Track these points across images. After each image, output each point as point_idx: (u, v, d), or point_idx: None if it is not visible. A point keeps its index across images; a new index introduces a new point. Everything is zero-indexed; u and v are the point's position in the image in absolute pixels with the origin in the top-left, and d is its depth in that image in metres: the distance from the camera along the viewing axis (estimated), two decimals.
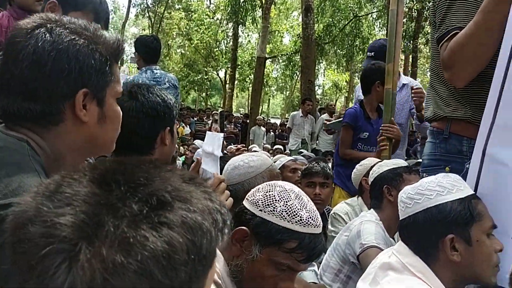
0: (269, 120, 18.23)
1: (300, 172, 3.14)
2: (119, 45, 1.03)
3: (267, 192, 1.19)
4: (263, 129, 12.19)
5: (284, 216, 1.14)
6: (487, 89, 1.54)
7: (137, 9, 23.25)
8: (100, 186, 0.51)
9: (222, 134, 2.02)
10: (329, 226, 2.62)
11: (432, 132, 1.76)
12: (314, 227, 1.16)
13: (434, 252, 1.26)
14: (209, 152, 2.02)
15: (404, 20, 15.71)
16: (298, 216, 1.14)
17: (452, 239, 1.24)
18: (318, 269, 2.15)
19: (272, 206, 1.15)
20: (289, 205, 1.15)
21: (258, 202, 1.18)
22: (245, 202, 1.23)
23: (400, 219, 1.35)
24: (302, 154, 6.14)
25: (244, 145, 4.91)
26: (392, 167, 2.16)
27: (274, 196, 1.17)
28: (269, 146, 10.03)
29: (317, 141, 8.19)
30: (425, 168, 1.75)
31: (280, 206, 1.14)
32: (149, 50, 3.64)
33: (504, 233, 1.35)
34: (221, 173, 1.92)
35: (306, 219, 1.14)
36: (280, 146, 9.19)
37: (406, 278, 1.23)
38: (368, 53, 3.62)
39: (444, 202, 1.26)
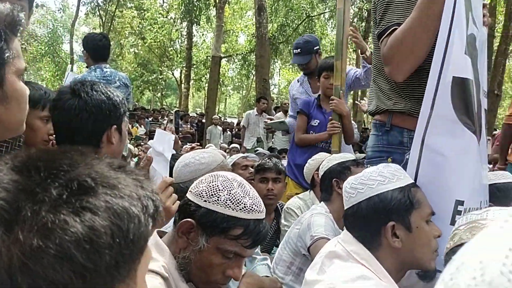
0: (226, 119, 18.21)
1: (251, 169, 3.18)
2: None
3: (210, 182, 1.20)
4: (220, 128, 12.15)
5: (228, 204, 1.16)
6: (425, 83, 1.61)
7: (87, 8, 22.45)
8: (20, 173, 0.51)
9: (173, 136, 1.97)
10: (282, 221, 2.66)
11: (375, 124, 1.81)
12: (258, 212, 1.19)
13: (377, 239, 1.30)
14: (160, 152, 1.97)
15: (355, 20, 16.17)
16: (242, 203, 1.16)
17: (393, 226, 1.28)
18: (271, 262, 2.17)
19: (216, 196, 1.17)
20: (232, 194, 1.17)
21: (202, 193, 1.19)
22: (188, 194, 1.24)
23: (345, 208, 1.39)
24: (258, 152, 6.18)
25: (198, 144, 4.88)
26: (340, 160, 2.22)
27: (217, 186, 1.19)
28: (226, 146, 10.02)
29: (273, 139, 8.27)
30: (369, 160, 1.81)
31: (224, 195, 1.16)
32: (97, 48, 3.55)
33: (442, 219, 1.42)
34: (171, 172, 1.89)
35: (250, 206, 1.17)
36: (237, 145, 9.19)
37: (351, 266, 1.27)
38: (294, 50, 3.71)
39: (385, 191, 1.31)
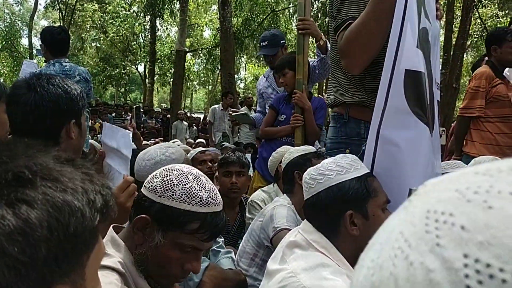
0: (193, 114, 18.06)
1: (209, 163, 3.19)
2: None
3: (165, 177, 1.17)
4: (185, 123, 12.04)
5: (183, 199, 1.13)
6: (380, 76, 1.65)
7: (46, 1, 21.64)
8: None
9: (128, 132, 1.88)
10: (247, 214, 2.68)
11: (334, 116, 1.85)
12: (215, 205, 1.17)
13: (336, 227, 1.33)
14: (113, 147, 1.89)
15: (319, 15, 16.34)
16: (198, 197, 1.14)
17: (351, 214, 1.32)
18: (235, 255, 2.19)
19: (171, 191, 1.14)
20: (188, 188, 1.14)
21: (156, 188, 1.16)
22: (143, 190, 1.21)
23: (305, 198, 1.41)
24: (224, 146, 6.18)
25: (162, 139, 4.81)
26: (302, 153, 2.25)
27: (172, 180, 1.15)
28: (192, 141, 9.93)
29: (239, 134, 8.27)
30: (328, 151, 1.84)
31: (179, 190, 1.14)
32: (56, 42, 3.45)
33: (396, 207, 1.47)
34: (131, 168, 1.85)
35: (206, 199, 1.15)
36: (203, 140, 9.14)
37: (310, 254, 1.30)
38: (261, 43, 3.73)
39: (343, 181, 1.34)
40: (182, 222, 1.13)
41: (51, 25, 18.36)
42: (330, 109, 2.00)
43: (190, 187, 1.15)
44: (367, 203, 1.34)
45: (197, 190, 1.15)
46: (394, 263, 0.32)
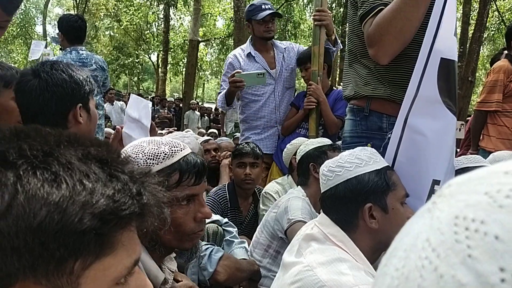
0: (204, 104, 18.06)
1: (213, 152, 3.19)
2: None
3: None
4: (198, 113, 12.07)
5: (151, 163, 1.13)
6: (405, 68, 1.60)
7: None
8: None
9: (150, 102, 1.92)
10: (261, 205, 2.67)
11: (352, 109, 1.79)
12: (181, 151, 1.18)
13: (354, 221, 1.32)
14: (135, 118, 1.92)
15: (333, 5, 16.16)
16: (161, 153, 1.14)
17: (370, 207, 1.30)
18: (249, 246, 2.19)
19: (135, 163, 1.12)
20: (147, 152, 1.14)
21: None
22: None
23: (322, 191, 1.40)
24: (236, 137, 6.17)
25: (176, 128, 4.83)
26: (317, 145, 2.24)
27: (130, 156, 1.13)
28: (204, 131, 9.95)
29: None
30: (347, 145, 1.79)
31: (141, 159, 1.13)
32: (73, 30, 3.45)
33: (418, 197, 1.45)
34: None
35: (169, 150, 1.15)
36: (215, 130, 9.15)
37: (327, 248, 1.28)
38: (264, 5, 3.40)
39: (362, 173, 1.32)
40: (164, 181, 1.12)
41: (68, 12, 18.48)
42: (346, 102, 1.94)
43: (149, 150, 1.14)
44: (387, 196, 1.32)
45: (156, 149, 1.15)
46: (422, 274, 0.30)
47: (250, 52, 3.37)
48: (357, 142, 1.72)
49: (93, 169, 0.55)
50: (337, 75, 15.86)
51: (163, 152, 1.14)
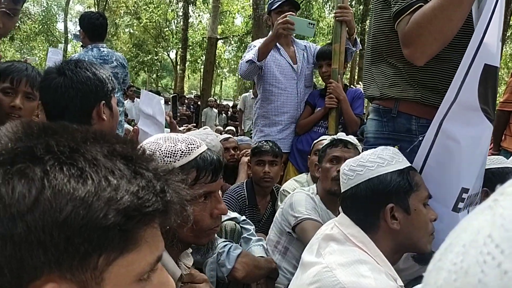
0: (222, 102, 18.11)
1: (232, 151, 3.18)
2: None
3: None
4: (215, 110, 12.10)
5: (168, 161, 1.13)
6: (437, 70, 1.54)
7: None
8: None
9: (162, 98, 1.93)
10: (278, 203, 2.67)
11: (378, 110, 1.71)
12: (197, 148, 1.18)
13: (375, 221, 1.30)
14: (149, 114, 1.93)
15: (353, 2, 16.00)
16: (178, 151, 1.15)
17: (392, 208, 1.28)
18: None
19: None
20: (164, 150, 1.15)
21: None
22: None
23: (342, 191, 1.38)
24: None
25: (195, 125, 4.84)
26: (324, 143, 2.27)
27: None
28: (221, 128, 9.98)
29: None
30: (370, 146, 1.68)
31: (159, 156, 1.14)
32: (94, 28, 3.49)
33: (444, 204, 1.41)
34: None
35: (186, 148, 1.16)
36: (233, 128, 9.16)
37: (347, 249, 1.26)
38: None
39: (384, 173, 1.30)
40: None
41: (88, 10, 18.74)
42: (368, 101, 1.88)
43: (165, 148, 1.15)
44: (409, 197, 1.30)
45: (173, 146, 1.15)
46: (483, 270, 0.29)
47: (276, 44, 3.27)
48: (382, 143, 1.61)
49: (118, 165, 0.55)
50: (356, 74, 15.72)
51: (180, 150, 1.15)
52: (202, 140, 1.88)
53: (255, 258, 1.84)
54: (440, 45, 1.43)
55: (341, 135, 2.24)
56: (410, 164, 1.37)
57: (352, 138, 2.14)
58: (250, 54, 3.11)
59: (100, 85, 1.54)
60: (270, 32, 3.02)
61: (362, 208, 1.32)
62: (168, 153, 1.14)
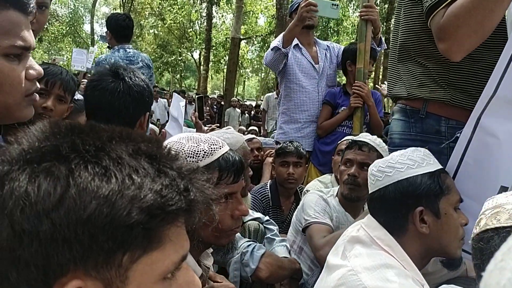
0: (245, 102, 18.17)
1: (256, 151, 3.17)
2: None
3: None
4: (238, 110, 12.14)
5: (190, 161, 1.12)
6: (468, 70, 1.49)
7: None
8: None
9: (184, 101, 1.96)
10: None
11: (405, 110, 1.66)
12: (220, 148, 1.17)
13: (404, 224, 1.26)
14: (174, 116, 1.97)
15: (378, 1, 15.80)
16: (201, 151, 1.14)
17: (422, 211, 1.25)
18: None
19: None
20: (187, 150, 1.14)
21: None
22: None
23: (370, 192, 1.35)
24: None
25: (218, 125, 4.88)
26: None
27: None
28: (244, 128, 10.00)
29: None
30: (396, 147, 1.63)
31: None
32: (121, 29, 3.54)
33: (480, 202, 1.36)
34: None
35: (209, 148, 1.15)
36: (255, 128, 9.17)
37: (374, 252, 1.23)
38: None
39: (414, 175, 1.26)
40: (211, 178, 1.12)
41: (112, 12, 19.09)
42: (392, 100, 1.82)
43: (188, 148, 1.14)
44: (440, 201, 1.26)
45: (196, 147, 1.15)
46: None
47: (297, 44, 3.30)
48: (410, 145, 1.55)
49: (142, 164, 0.55)
50: (380, 73, 15.51)
51: (203, 150, 1.14)
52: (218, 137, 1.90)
53: (279, 258, 1.83)
54: (479, 39, 1.36)
55: (362, 136, 2.20)
56: (441, 167, 1.32)
57: (373, 140, 2.08)
58: (275, 41, 3.13)
59: (150, 97, 1.60)
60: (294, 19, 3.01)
61: (390, 210, 1.28)
62: (191, 153, 1.14)
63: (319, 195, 2.09)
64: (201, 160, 1.13)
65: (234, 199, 1.19)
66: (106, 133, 0.58)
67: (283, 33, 3.08)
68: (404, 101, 1.68)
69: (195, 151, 1.14)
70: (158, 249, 0.56)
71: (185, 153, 1.13)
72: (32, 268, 0.49)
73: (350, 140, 2.20)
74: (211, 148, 1.16)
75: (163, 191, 0.55)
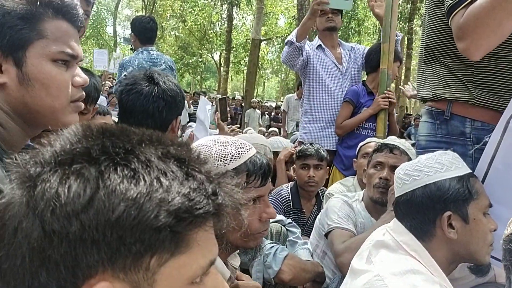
0: (266, 103, 18.18)
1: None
2: None
3: None
4: (258, 111, 12.15)
5: (218, 164, 1.12)
6: (492, 69, 1.46)
7: None
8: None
9: (210, 104, 1.99)
10: (324, 206, 2.62)
11: (430, 112, 1.64)
12: (247, 151, 1.17)
13: (431, 229, 1.24)
14: (200, 119, 1.99)
15: (400, 1, 15.60)
16: (229, 154, 1.14)
17: (450, 216, 1.22)
18: None
19: None
20: (214, 153, 1.14)
21: None
22: None
23: (396, 196, 1.33)
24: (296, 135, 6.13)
25: (239, 126, 4.91)
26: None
27: None
28: (264, 129, 10.00)
29: None
30: (422, 150, 1.64)
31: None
32: (145, 31, 3.59)
33: (509, 207, 1.32)
34: None
35: (236, 152, 1.15)
36: (276, 129, 9.16)
37: (400, 258, 1.21)
38: None
39: (442, 179, 1.24)
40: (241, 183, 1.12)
41: (135, 15, 19.36)
42: (419, 102, 1.81)
43: (216, 151, 1.14)
44: (468, 206, 1.23)
45: (223, 150, 1.15)
46: None
47: (320, 45, 3.31)
48: (435, 147, 1.55)
49: (171, 167, 0.56)
50: (403, 74, 15.30)
51: (230, 154, 1.14)
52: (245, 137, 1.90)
53: (301, 261, 1.82)
54: (498, 39, 1.35)
55: (391, 139, 2.16)
56: (470, 171, 1.29)
57: (402, 143, 2.05)
58: (289, 36, 3.14)
59: (181, 101, 1.64)
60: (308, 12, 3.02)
61: (417, 215, 1.26)
62: (219, 157, 1.14)
63: (343, 200, 2.05)
64: (228, 164, 1.13)
65: (262, 202, 1.19)
66: (136, 136, 0.58)
67: (297, 28, 3.11)
68: (430, 103, 1.66)
69: (222, 154, 1.14)
70: (186, 253, 0.56)
71: (212, 157, 1.14)
72: (62, 269, 0.50)
73: (379, 143, 2.16)
74: (239, 151, 1.16)
75: (190, 194, 0.55)
